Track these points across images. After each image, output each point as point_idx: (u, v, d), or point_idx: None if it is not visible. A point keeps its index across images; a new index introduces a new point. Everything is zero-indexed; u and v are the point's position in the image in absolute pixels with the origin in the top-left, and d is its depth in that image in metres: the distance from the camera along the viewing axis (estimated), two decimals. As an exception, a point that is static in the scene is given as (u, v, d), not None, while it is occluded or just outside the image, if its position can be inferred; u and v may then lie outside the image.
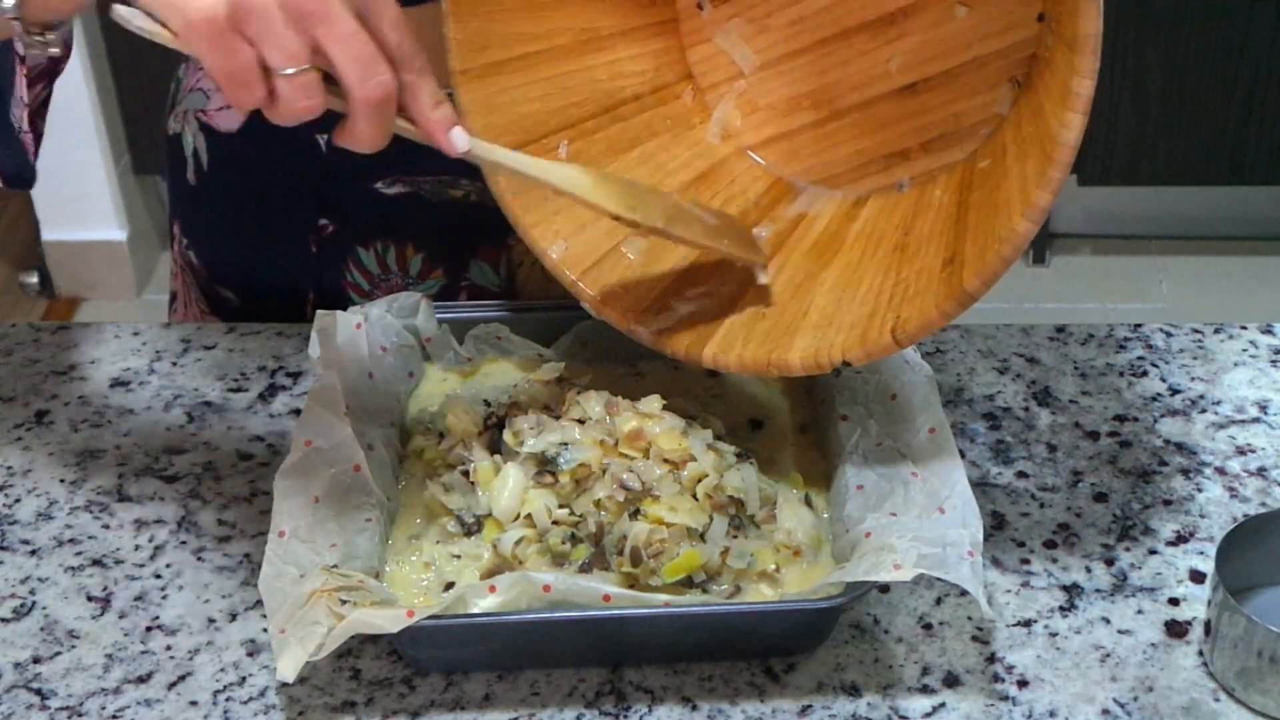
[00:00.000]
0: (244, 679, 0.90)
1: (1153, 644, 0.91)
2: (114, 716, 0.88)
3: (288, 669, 0.82)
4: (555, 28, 1.02)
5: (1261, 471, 1.03)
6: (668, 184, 1.03)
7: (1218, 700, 0.88)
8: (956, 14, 0.97)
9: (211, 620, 0.94)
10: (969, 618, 0.92)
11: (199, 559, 0.98)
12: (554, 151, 1.00)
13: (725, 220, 1.00)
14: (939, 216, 0.95)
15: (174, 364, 1.14)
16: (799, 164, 1.04)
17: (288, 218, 1.20)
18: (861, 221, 1.00)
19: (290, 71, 0.76)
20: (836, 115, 1.03)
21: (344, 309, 1.03)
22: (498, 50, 0.99)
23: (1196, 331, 1.15)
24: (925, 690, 0.88)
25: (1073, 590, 0.94)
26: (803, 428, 1.02)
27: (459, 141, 0.84)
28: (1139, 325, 1.16)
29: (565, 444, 0.93)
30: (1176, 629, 0.92)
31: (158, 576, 0.97)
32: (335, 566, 0.87)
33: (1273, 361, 1.12)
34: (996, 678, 0.89)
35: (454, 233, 1.19)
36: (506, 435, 0.95)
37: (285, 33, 0.74)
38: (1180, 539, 0.98)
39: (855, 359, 0.90)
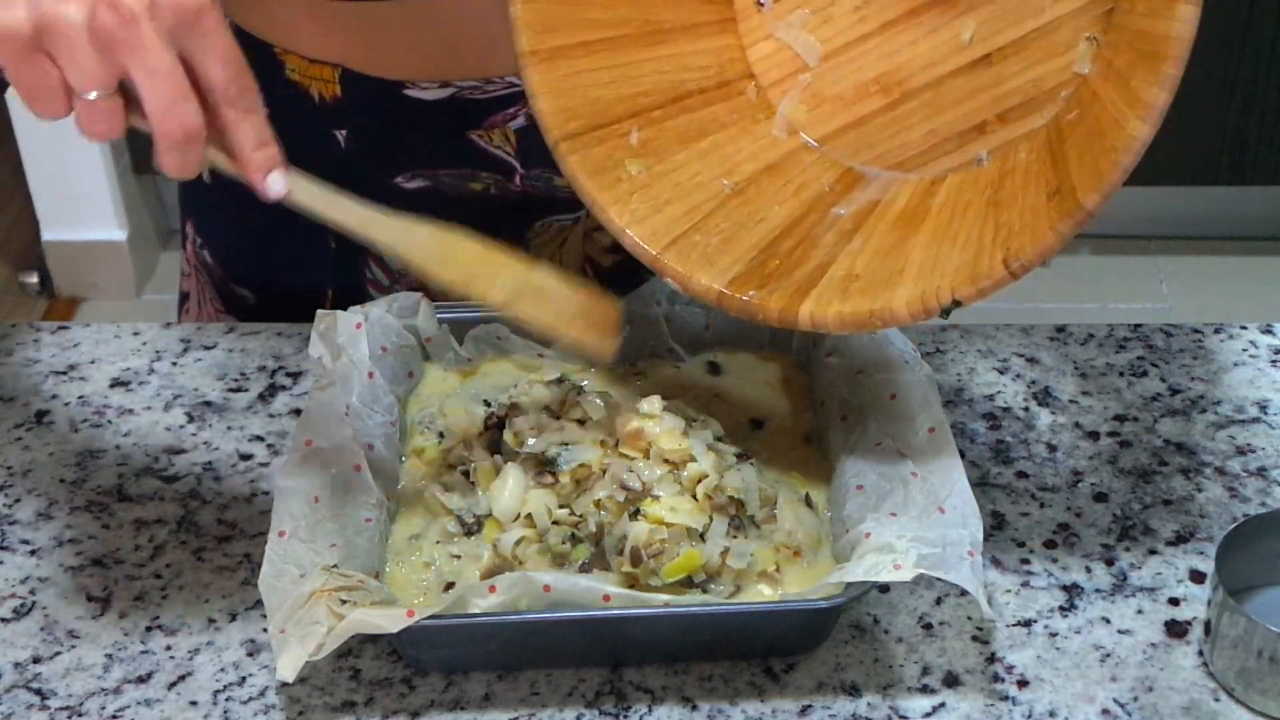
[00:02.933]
0: (244, 679, 0.90)
1: (1153, 644, 0.91)
2: (114, 716, 0.88)
3: (288, 669, 0.82)
4: (620, 16, 1.01)
5: (1261, 471, 1.03)
6: (736, 175, 1.01)
7: (1218, 700, 0.88)
8: None
9: (211, 620, 0.94)
10: (969, 618, 0.92)
11: (199, 559, 0.98)
12: (625, 138, 1.00)
13: (587, 308, 0.94)
14: (1029, 171, 0.93)
15: (174, 364, 1.14)
16: (871, 151, 1.02)
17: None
18: (944, 194, 0.98)
19: (91, 96, 0.74)
20: (907, 97, 1.01)
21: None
22: (565, 34, 0.99)
23: (1196, 331, 1.15)
24: (925, 690, 0.88)
25: (1073, 590, 0.94)
26: (803, 428, 1.02)
27: (275, 186, 0.82)
28: (1139, 325, 1.16)
29: (565, 444, 0.93)
30: (1176, 629, 0.92)
31: (158, 576, 0.97)
32: (335, 566, 0.87)
33: (1273, 361, 1.12)
34: (996, 678, 0.89)
35: (474, 226, 1.18)
36: (506, 435, 0.95)
37: (89, 57, 0.73)
38: (1180, 539, 0.98)
39: (967, 296, 0.87)
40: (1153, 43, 0.82)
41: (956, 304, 0.88)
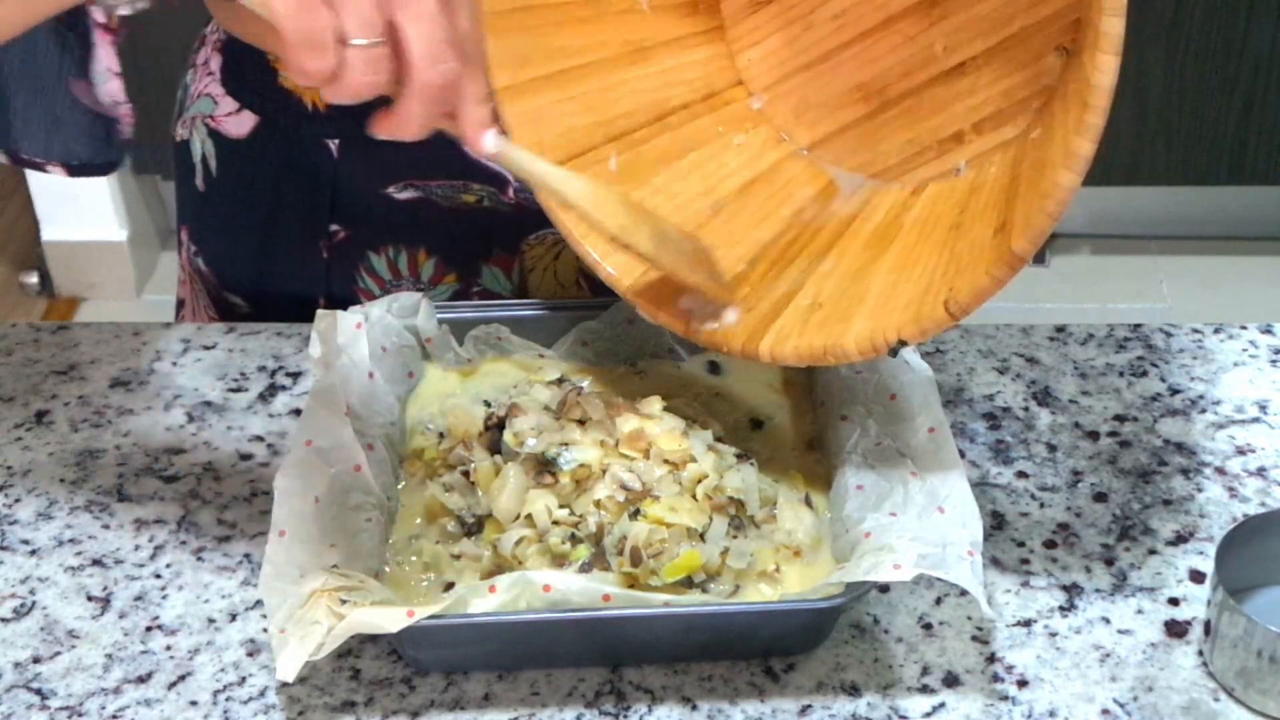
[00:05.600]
0: (244, 679, 0.90)
1: (1153, 644, 0.91)
2: (114, 716, 0.88)
3: (288, 669, 0.82)
4: (598, 41, 1.02)
5: (1261, 471, 1.03)
6: (717, 193, 1.02)
7: (1218, 700, 0.88)
8: None
9: (211, 620, 0.94)
10: (969, 618, 0.92)
11: (199, 559, 0.98)
12: (604, 163, 1.00)
13: (702, 253, 0.98)
14: (993, 191, 0.94)
15: (174, 364, 1.14)
16: (855, 159, 1.03)
17: (299, 223, 1.19)
18: (919, 208, 0.99)
19: (363, 42, 0.74)
20: (887, 105, 1.02)
21: None
22: (539, 65, 0.99)
23: (1196, 331, 1.15)
24: (925, 690, 0.88)
25: (1072, 590, 0.94)
26: (803, 428, 1.02)
27: (488, 143, 0.82)
28: (1139, 325, 1.16)
29: (565, 444, 0.93)
30: (1176, 629, 0.92)
31: (158, 576, 0.97)
32: (335, 566, 0.87)
33: (1273, 361, 1.12)
34: (996, 678, 0.89)
35: (466, 237, 1.19)
36: (507, 435, 0.95)
37: (364, 3, 0.74)
38: (1180, 539, 0.98)
39: (910, 337, 0.89)
40: (1083, 87, 0.82)
41: (902, 344, 0.89)
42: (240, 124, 1.18)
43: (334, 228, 1.18)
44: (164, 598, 0.95)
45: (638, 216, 0.93)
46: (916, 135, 1.01)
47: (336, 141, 1.15)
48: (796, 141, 1.05)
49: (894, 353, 0.90)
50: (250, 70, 1.16)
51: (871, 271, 0.96)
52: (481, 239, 1.19)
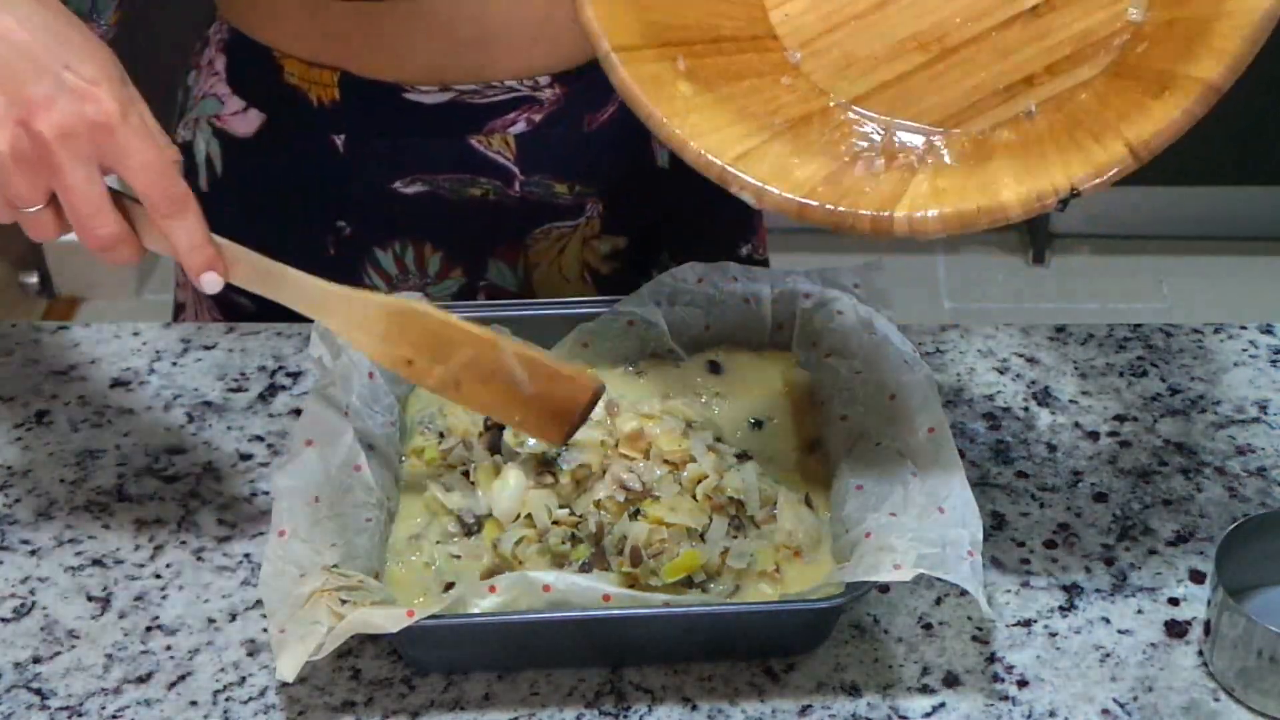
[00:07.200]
0: (244, 679, 0.90)
1: (1153, 644, 0.91)
2: (114, 716, 0.88)
3: (288, 669, 0.82)
4: None
5: (1261, 471, 1.03)
6: (781, 115, 0.96)
7: (1218, 700, 0.88)
8: None
9: (211, 620, 0.94)
10: (969, 618, 0.92)
11: (199, 559, 0.98)
12: (674, 63, 0.95)
13: (549, 388, 0.92)
14: (1105, 101, 0.89)
15: (174, 364, 1.14)
16: (911, 109, 0.97)
17: (304, 221, 1.19)
18: (1004, 136, 0.93)
19: (30, 210, 0.85)
20: (947, 53, 0.97)
21: None
22: None
23: (1196, 331, 1.15)
24: (925, 690, 0.88)
25: (1073, 590, 0.94)
26: (803, 428, 1.02)
27: (208, 285, 0.88)
28: (1139, 325, 1.16)
29: (565, 444, 0.93)
30: (1176, 629, 0.92)
31: (158, 576, 0.97)
32: (335, 566, 0.87)
33: (1273, 361, 1.12)
34: (996, 678, 0.89)
35: (473, 231, 1.19)
36: (507, 435, 0.95)
37: (19, 179, 0.82)
38: (1180, 539, 0.98)
39: (1086, 183, 0.83)
40: None
41: (1075, 194, 0.82)
42: (247, 122, 1.18)
43: (340, 224, 1.19)
44: (164, 598, 0.95)
45: (449, 345, 0.90)
46: (981, 82, 0.95)
47: (343, 137, 1.15)
48: (842, 94, 0.98)
49: (1063, 205, 0.83)
50: (256, 68, 1.17)
51: (989, 168, 0.89)
52: (488, 232, 1.19)
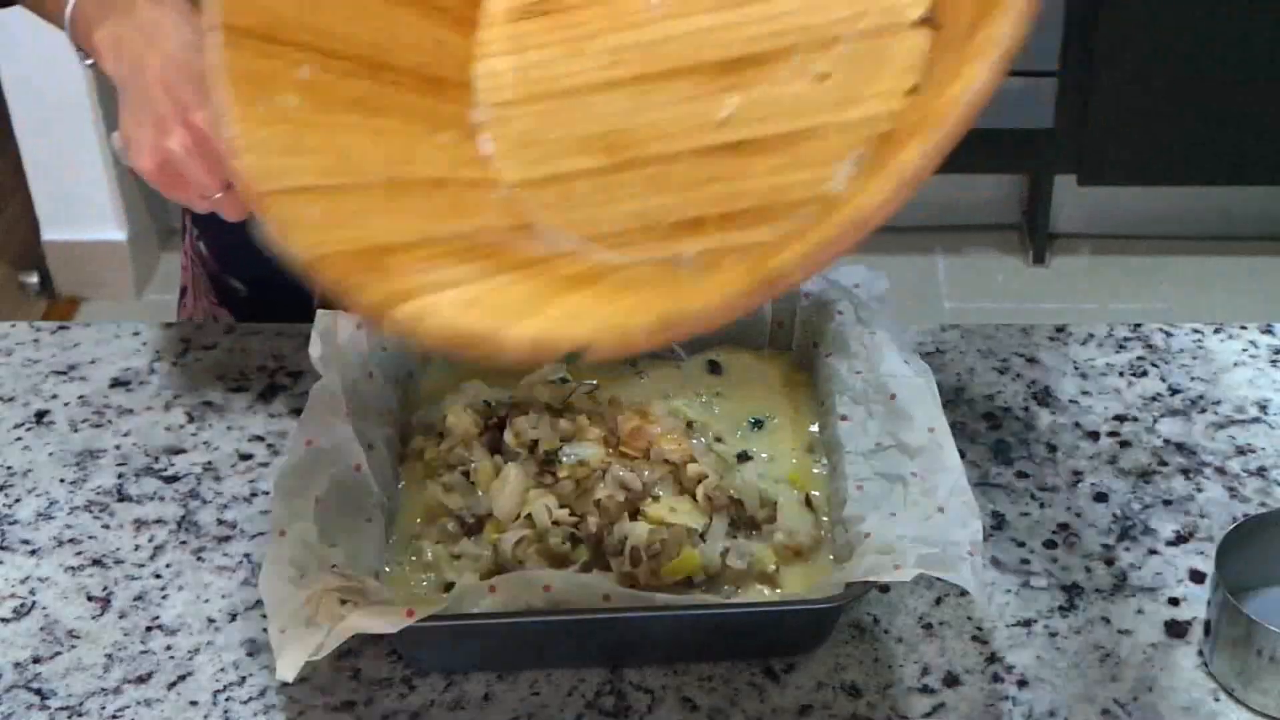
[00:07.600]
0: (244, 679, 0.90)
1: (1153, 644, 0.91)
2: (114, 716, 0.88)
3: (288, 669, 0.82)
4: None
5: (1261, 471, 1.03)
6: (400, 171, 0.85)
7: (1218, 700, 0.88)
8: (811, 69, 0.83)
9: (211, 620, 0.94)
10: (969, 618, 0.92)
11: (199, 559, 0.98)
12: (295, 69, 0.83)
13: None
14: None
15: (174, 364, 1.14)
16: (568, 215, 0.86)
17: None
18: (627, 273, 0.83)
19: (216, 195, 0.95)
20: (630, 165, 0.86)
21: None
22: None
23: (1196, 331, 1.15)
24: (925, 690, 0.88)
25: (1073, 590, 0.94)
26: (803, 428, 1.02)
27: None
28: (1139, 325, 1.16)
29: (566, 444, 0.93)
30: (1176, 629, 0.92)
31: (158, 576, 0.97)
32: (335, 566, 0.87)
33: (1273, 361, 1.12)
34: (996, 678, 0.89)
35: None
36: (507, 435, 0.95)
37: (196, 173, 0.93)
38: (1180, 539, 0.98)
39: (649, 333, 0.70)
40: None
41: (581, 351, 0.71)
42: None
43: None
44: (164, 598, 0.95)
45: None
46: (648, 208, 0.84)
47: None
48: (508, 176, 0.88)
49: (571, 359, 0.73)
50: None
51: (566, 295, 0.79)
52: None
